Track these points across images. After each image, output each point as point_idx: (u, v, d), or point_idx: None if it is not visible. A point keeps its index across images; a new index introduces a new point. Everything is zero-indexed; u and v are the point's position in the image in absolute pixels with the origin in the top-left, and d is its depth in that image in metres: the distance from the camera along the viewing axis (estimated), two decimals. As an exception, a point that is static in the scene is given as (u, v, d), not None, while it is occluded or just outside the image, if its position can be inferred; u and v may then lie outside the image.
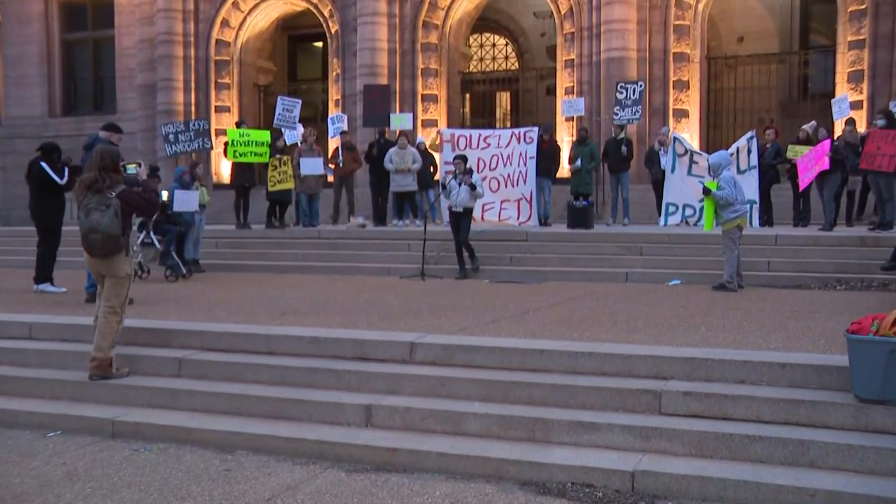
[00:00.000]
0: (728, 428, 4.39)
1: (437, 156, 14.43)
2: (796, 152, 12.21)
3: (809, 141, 12.35)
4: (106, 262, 5.71)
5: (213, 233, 13.24)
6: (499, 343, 5.54)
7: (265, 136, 13.31)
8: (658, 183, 13.43)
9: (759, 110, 19.33)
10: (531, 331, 6.17)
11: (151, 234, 10.56)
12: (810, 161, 11.63)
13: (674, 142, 13.08)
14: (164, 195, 10.53)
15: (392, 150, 13.65)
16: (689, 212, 12.90)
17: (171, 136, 13.61)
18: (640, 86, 14.19)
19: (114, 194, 5.67)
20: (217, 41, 21.20)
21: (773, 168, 12.83)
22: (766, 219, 12.74)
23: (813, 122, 13.00)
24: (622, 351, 5.19)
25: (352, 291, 9.20)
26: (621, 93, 14.11)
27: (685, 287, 9.44)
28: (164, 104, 20.67)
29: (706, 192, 9.01)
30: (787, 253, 10.19)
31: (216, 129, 20.21)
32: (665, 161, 13.17)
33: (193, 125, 13.84)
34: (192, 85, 21.14)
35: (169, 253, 10.72)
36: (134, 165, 6.66)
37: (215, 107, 21.26)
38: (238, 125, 14.26)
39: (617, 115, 14.11)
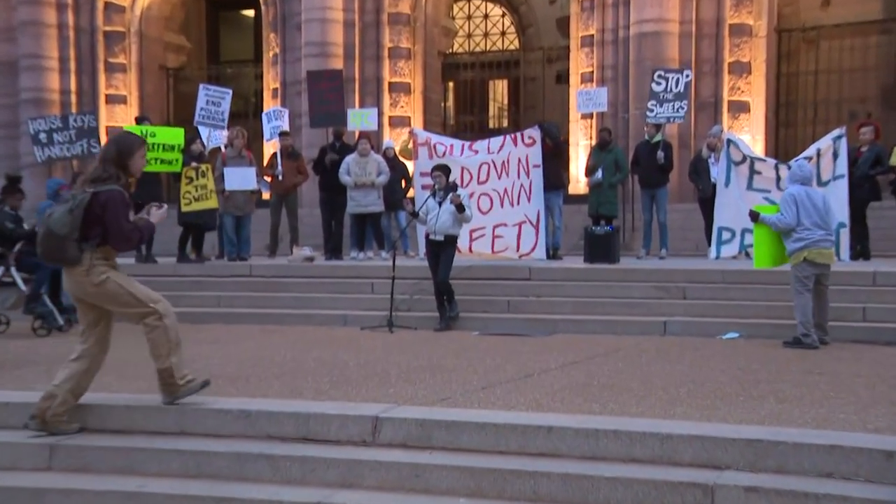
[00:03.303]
0: (811, 539, 4.42)
1: (409, 165, 14.54)
2: None
3: None
4: (66, 278, 5.85)
5: (104, 269, 13.18)
6: (492, 418, 5.56)
7: (177, 136, 13.36)
8: (707, 201, 13.58)
9: (850, 101, 19.50)
10: (535, 401, 6.20)
11: (13, 270, 10.48)
12: None
13: (728, 145, 13.21)
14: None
15: (350, 158, 13.74)
16: (749, 239, 12.91)
17: (42, 136, 13.63)
18: (688, 76, 14.30)
19: (91, 190, 5.71)
20: (107, 4, 21.28)
21: (869, 180, 12.90)
22: (860, 249, 12.83)
23: None
24: (660, 429, 5.23)
25: (295, 348, 9.18)
26: (659, 84, 14.24)
27: (745, 342, 9.52)
28: (32, 91, 20.63)
29: (754, 217, 9.26)
30: (892, 296, 10.26)
31: (107, 127, 20.27)
32: (717, 172, 13.32)
33: (75, 121, 13.89)
34: (73, 65, 21.17)
35: (39, 297, 10.66)
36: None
37: (106, 96, 21.33)
38: (139, 121, 14.33)
39: (652, 111, 14.23)
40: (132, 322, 5.94)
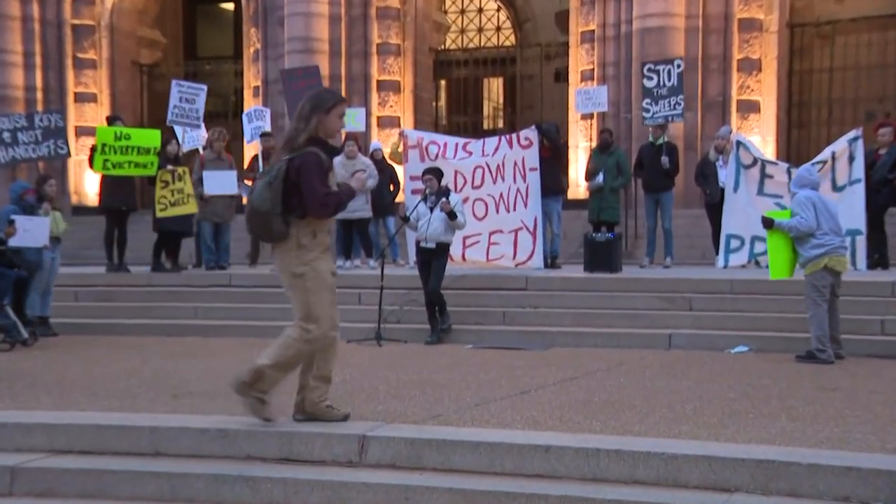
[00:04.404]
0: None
1: (398, 169, 14.55)
2: None
3: None
4: (274, 254, 5.92)
5: (72, 278, 13.19)
6: (486, 437, 5.57)
7: (152, 139, 13.36)
8: (715, 207, 13.60)
9: (867, 100, 19.47)
10: (532, 419, 6.21)
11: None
12: None
13: (737, 147, 13.23)
14: None
15: (336, 161, 13.65)
16: (760, 247, 12.98)
17: (6, 136, 13.57)
18: (679, 66, 14.24)
19: (286, 157, 5.65)
20: (76, -5, 21.26)
21: (888, 184, 12.83)
22: (878, 258, 12.82)
23: None
24: (664, 449, 5.23)
25: (275, 363, 9.16)
26: (650, 78, 14.20)
27: (755, 357, 9.54)
28: (-6, 87, 20.62)
29: (767, 223, 9.27)
30: (912, 308, 10.31)
31: (77, 127, 20.26)
32: (725, 175, 13.36)
33: (41, 120, 13.83)
34: (38, 60, 21.12)
35: (2, 308, 10.63)
36: None
37: (75, 94, 21.29)
38: (111, 121, 14.30)
39: (648, 111, 14.19)
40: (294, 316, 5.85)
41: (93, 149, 13.47)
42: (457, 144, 13.37)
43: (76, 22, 21.25)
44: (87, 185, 20.42)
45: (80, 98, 21.28)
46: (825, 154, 12.63)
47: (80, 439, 6.01)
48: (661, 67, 14.24)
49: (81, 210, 19.70)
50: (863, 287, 10.56)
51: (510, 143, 12.97)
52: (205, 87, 14.60)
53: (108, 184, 13.51)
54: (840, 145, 12.70)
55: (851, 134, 12.74)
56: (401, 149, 14.10)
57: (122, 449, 5.91)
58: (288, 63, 18.51)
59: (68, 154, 14.44)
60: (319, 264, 5.75)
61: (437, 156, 13.04)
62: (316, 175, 5.62)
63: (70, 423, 6.19)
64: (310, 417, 5.90)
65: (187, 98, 14.22)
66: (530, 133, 13.01)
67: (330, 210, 5.79)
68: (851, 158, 12.50)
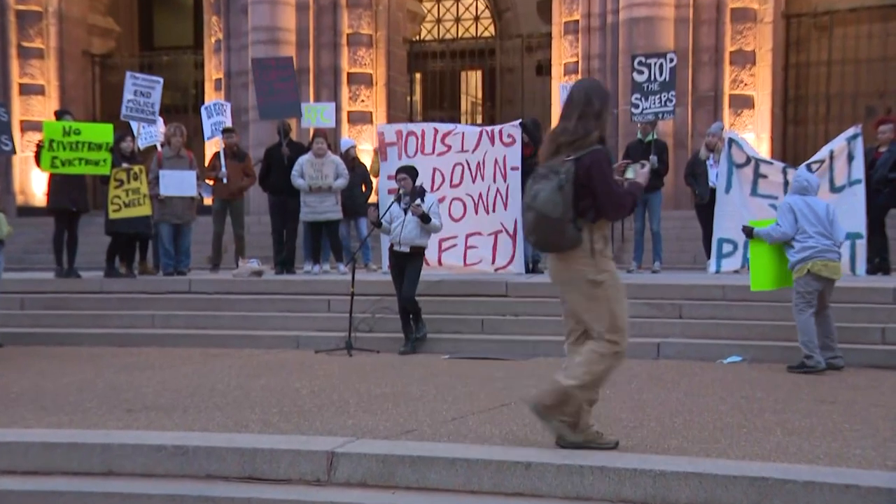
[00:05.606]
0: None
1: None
2: None
3: None
4: (555, 263, 5.70)
5: (18, 284, 13.08)
6: (464, 453, 5.58)
7: (104, 134, 13.28)
8: (705, 208, 13.66)
9: (867, 95, 19.66)
10: (512, 433, 6.21)
11: None
12: None
13: (729, 145, 13.27)
14: None
15: (304, 159, 13.73)
16: (753, 252, 13.12)
17: (-57, 133, 13.50)
18: (672, 60, 14.29)
19: (572, 157, 5.50)
20: (19, -20, 21.18)
21: (889, 184, 12.89)
22: (879, 262, 12.90)
23: None
24: (652, 466, 5.25)
25: (240, 374, 9.15)
26: (641, 72, 14.22)
27: (749, 367, 9.59)
28: (-71, 79, 20.54)
29: (748, 233, 9.55)
30: (915, 315, 10.36)
31: (22, 122, 20.14)
32: (716, 175, 13.41)
33: (-18, 115, 13.78)
34: (-22, 49, 21.02)
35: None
36: None
37: (20, 86, 21.16)
38: (59, 116, 14.21)
39: (637, 107, 14.20)
40: (587, 328, 5.66)
41: (40, 145, 13.37)
42: (435, 132, 13.24)
43: (21, 8, 21.11)
44: (34, 184, 20.29)
45: (26, 90, 21.14)
46: (822, 153, 12.68)
47: (25, 458, 5.97)
48: (652, 61, 14.21)
49: (28, 211, 19.59)
50: (862, 293, 10.64)
51: (491, 140, 12.89)
52: (161, 80, 14.55)
53: (57, 183, 13.41)
54: (838, 143, 12.73)
55: (850, 131, 12.76)
56: (378, 147, 14.06)
57: (72, 468, 5.88)
58: (252, 55, 18.47)
59: (13, 151, 14.32)
60: (615, 270, 5.66)
61: (416, 151, 13.01)
62: (610, 174, 5.58)
63: (15, 440, 6.14)
64: (578, 445, 5.59)
65: (142, 91, 14.17)
66: (513, 129, 12.94)
67: (627, 210, 5.79)
68: (850, 157, 12.52)
